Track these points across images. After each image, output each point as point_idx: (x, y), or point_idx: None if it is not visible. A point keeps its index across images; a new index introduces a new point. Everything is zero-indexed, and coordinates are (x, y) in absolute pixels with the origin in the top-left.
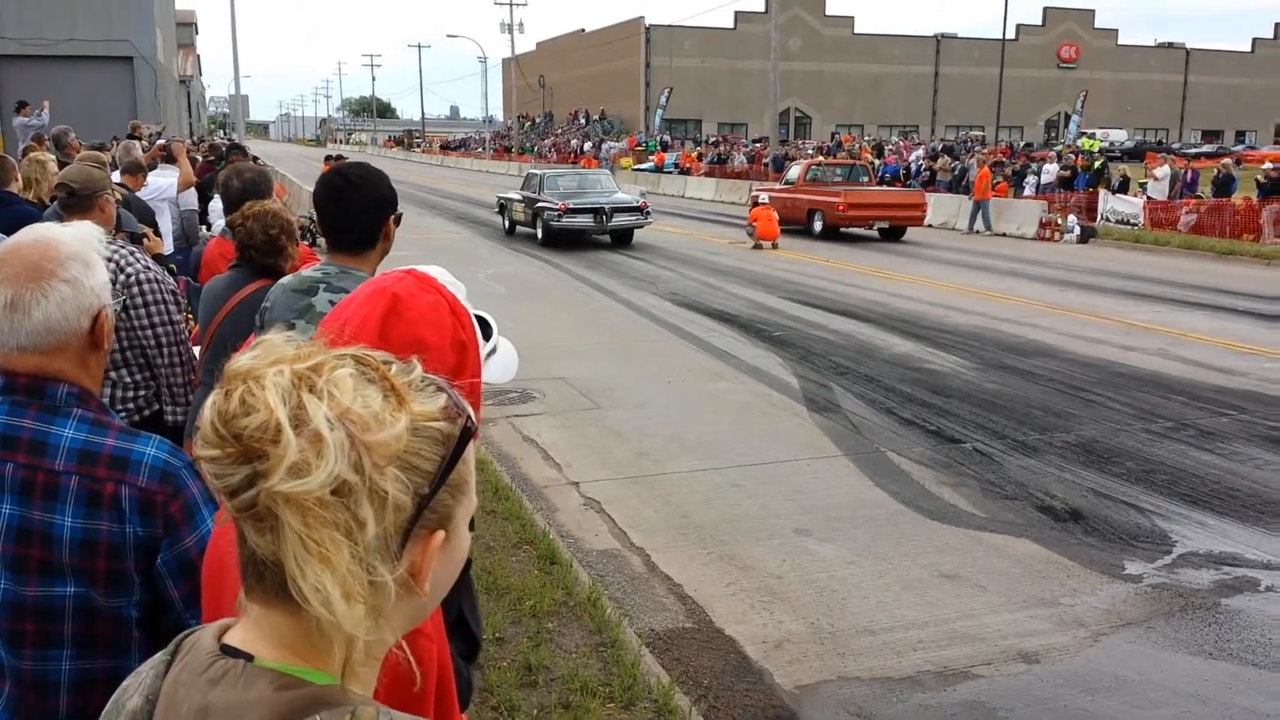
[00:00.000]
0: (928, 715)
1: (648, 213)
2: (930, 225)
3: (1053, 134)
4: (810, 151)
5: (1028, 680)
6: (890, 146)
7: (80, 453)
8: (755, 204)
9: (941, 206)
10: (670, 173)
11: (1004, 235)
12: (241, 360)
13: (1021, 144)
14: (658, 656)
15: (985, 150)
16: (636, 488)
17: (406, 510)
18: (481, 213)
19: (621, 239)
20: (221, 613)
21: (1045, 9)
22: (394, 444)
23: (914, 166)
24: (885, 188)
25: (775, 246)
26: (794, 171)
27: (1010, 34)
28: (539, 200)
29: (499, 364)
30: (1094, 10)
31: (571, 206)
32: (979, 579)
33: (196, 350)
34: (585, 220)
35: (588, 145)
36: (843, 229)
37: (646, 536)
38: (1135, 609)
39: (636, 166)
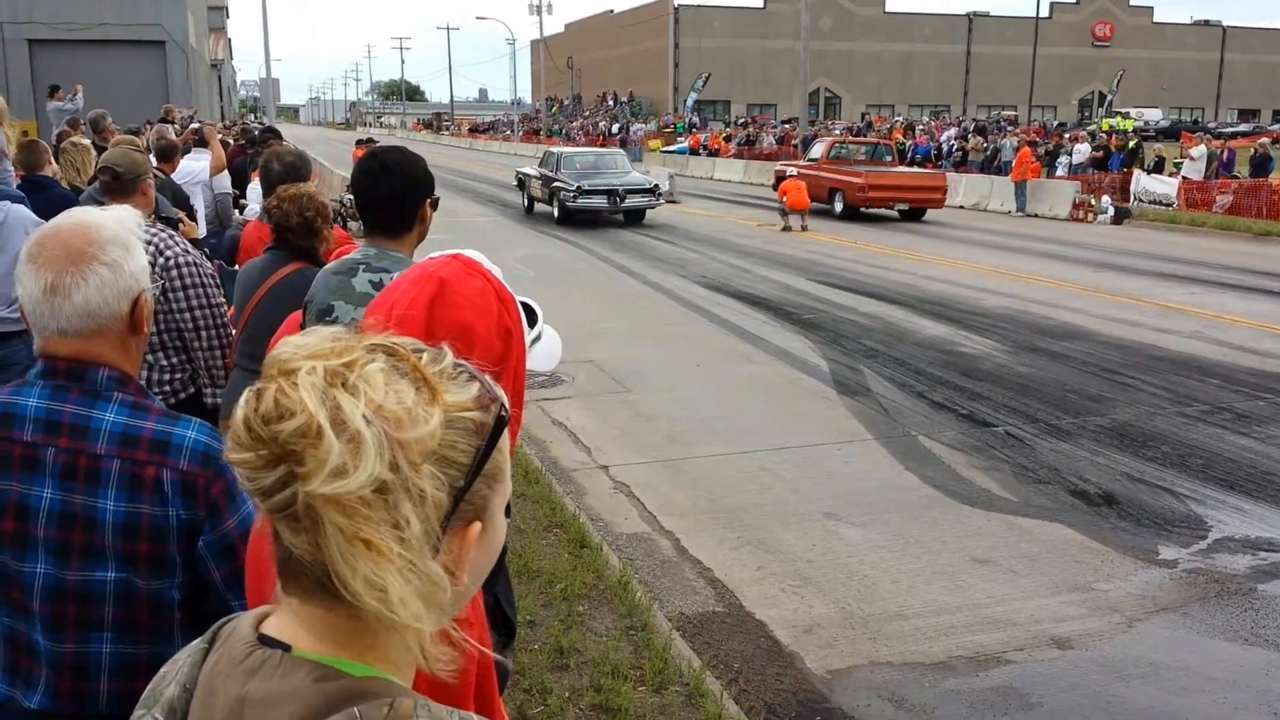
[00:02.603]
0: (960, 700)
1: (660, 194)
2: (962, 206)
3: (1086, 113)
4: (839, 132)
5: (1061, 666)
6: (921, 127)
7: (121, 436)
8: (783, 177)
9: (974, 187)
10: (699, 154)
11: (1036, 216)
12: (283, 350)
13: (1055, 124)
14: (688, 640)
15: (1020, 129)
16: (666, 471)
17: (444, 505)
18: (510, 195)
19: (634, 218)
20: (264, 598)
21: None
22: (428, 441)
23: (946, 147)
24: (908, 168)
25: (805, 225)
26: (817, 149)
27: (1044, 12)
28: (555, 179)
29: (543, 350)
30: None
31: (586, 187)
32: (1011, 564)
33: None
34: (600, 200)
35: (615, 127)
36: (863, 209)
37: (676, 520)
38: (1170, 594)
39: (665, 149)
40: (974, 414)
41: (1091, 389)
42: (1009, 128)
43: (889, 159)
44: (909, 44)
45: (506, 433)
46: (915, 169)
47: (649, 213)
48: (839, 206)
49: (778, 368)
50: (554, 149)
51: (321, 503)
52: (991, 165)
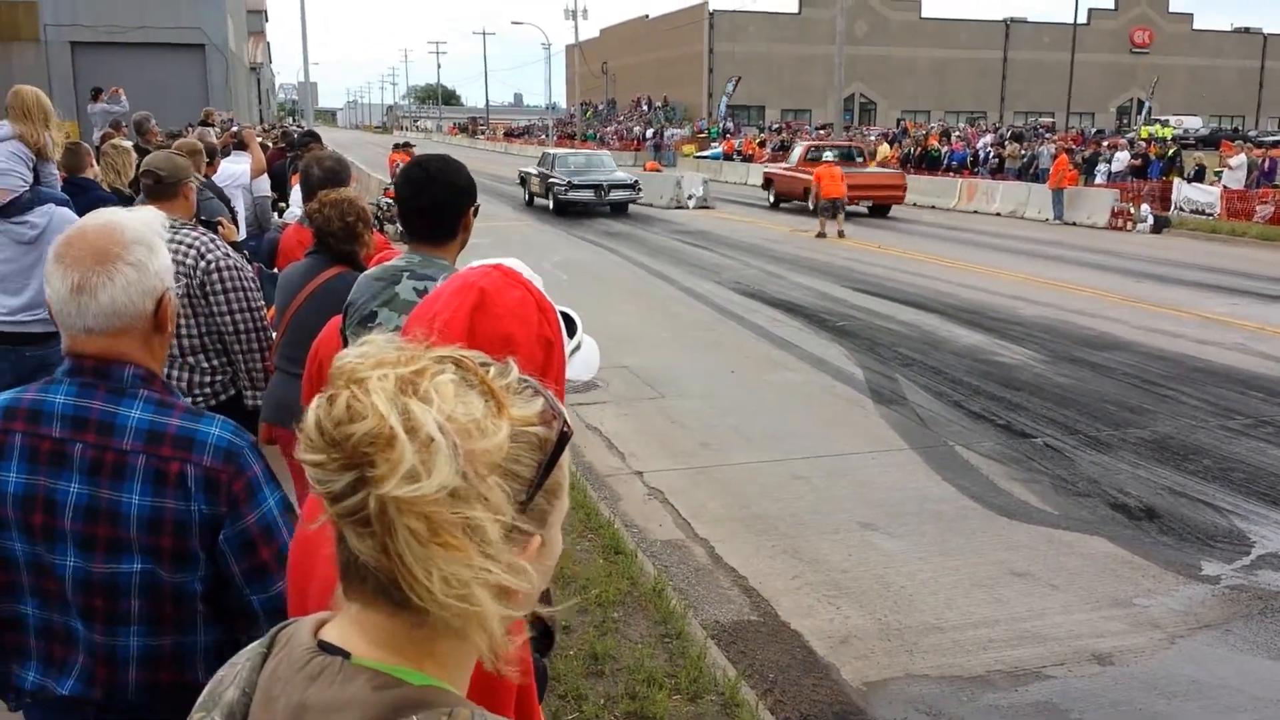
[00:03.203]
0: (998, 716)
1: (640, 189)
2: (999, 213)
3: (1125, 120)
4: (874, 138)
5: (1101, 682)
6: (957, 133)
7: (147, 433)
8: (772, 177)
9: (1010, 194)
10: (732, 160)
11: (1074, 224)
12: (346, 359)
13: (1093, 131)
14: (723, 649)
15: (1058, 136)
16: (700, 478)
17: (507, 517)
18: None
19: (619, 209)
20: (306, 600)
21: None
22: (495, 453)
23: (982, 153)
24: (873, 169)
25: (841, 231)
26: (796, 152)
27: (1082, 18)
28: (551, 176)
29: (582, 360)
30: None
31: (576, 183)
32: (1051, 577)
33: (273, 335)
34: (587, 194)
35: (649, 132)
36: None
37: (710, 527)
38: (1212, 611)
39: (699, 154)
40: (1012, 424)
41: (1132, 400)
42: (1046, 134)
43: (860, 160)
44: (945, 49)
45: (567, 450)
46: (879, 169)
47: (681, 218)
48: (812, 204)
49: (812, 375)
50: (550, 150)
51: (395, 506)
52: (1028, 172)
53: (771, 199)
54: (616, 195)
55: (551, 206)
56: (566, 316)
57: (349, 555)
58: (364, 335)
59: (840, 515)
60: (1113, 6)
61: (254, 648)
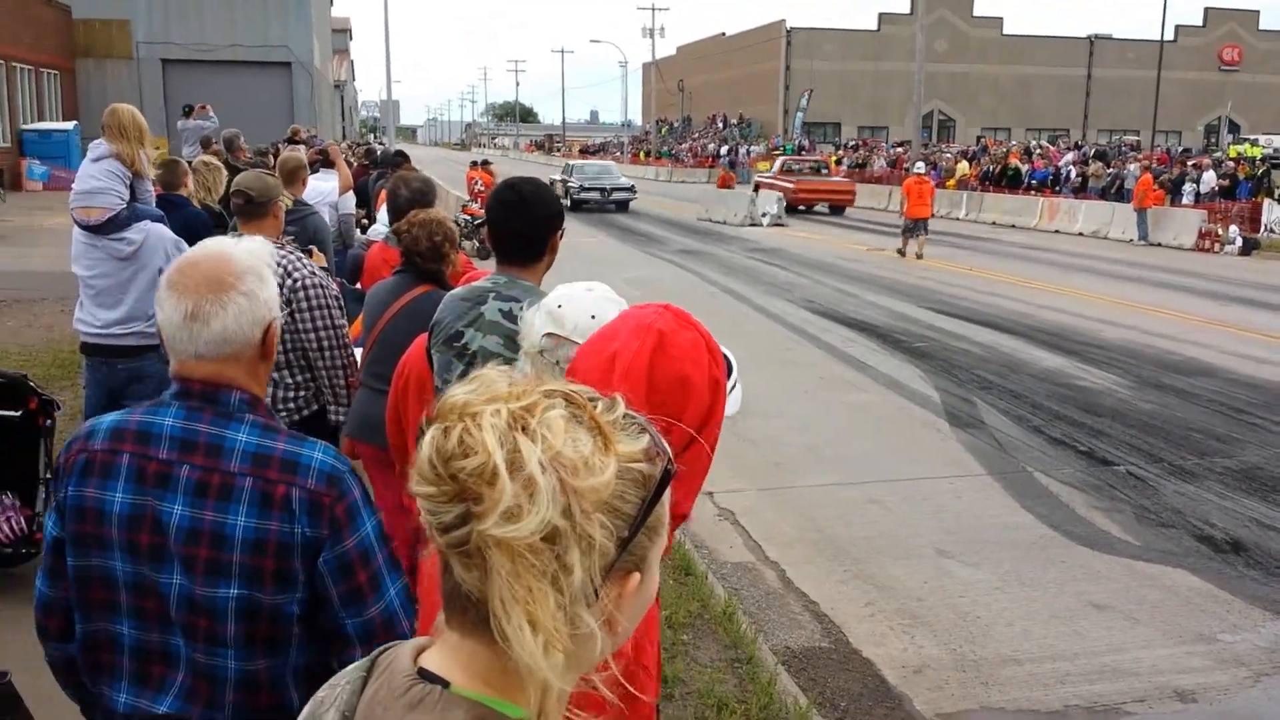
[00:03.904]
0: None
1: (635, 191)
2: (1081, 233)
3: (1212, 140)
4: (951, 156)
5: None
6: (1038, 151)
7: (254, 456)
8: (759, 185)
9: (1093, 214)
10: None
11: (1160, 245)
12: (457, 394)
13: (1179, 150)
14: (794, 675)
15: (1143, 155)
16: (772, 499)
17: (610, 554)
18: (618, 217)
19: (621, 207)
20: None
21: (1206, 9)
22: (602, 490)
23: (1064, 172)
24: (830, 179)
25: (920, 253)
26: (776, 165)
27: (1168, 35)
28: (569, 181)
29: (734, 398)
30: (1259, 11)
31: (586, 186)
32: (1132, 610)
33: (358, 351)
34: (595, 195)
35: (724, 149)
36: (799, 207)
37: (781, 550)
38: None
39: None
40: (1094, 451)
41: (1218, 429)
42: (1131, 153)
43: (825, 171)
44: (1027, 66)
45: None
46: (834, 179)
47: (755, 235)
48: (784, 204)
49: (887, 396)
50: (571, 161)
51: (490, 544)
52: (1112, 191)
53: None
54: (617, 196)
55: (568, 205)
56: (724, 356)
57: (453, 584)
58: (448, 354)
59: (915, 541)
60: (1201, 23)
61: (354, 670)
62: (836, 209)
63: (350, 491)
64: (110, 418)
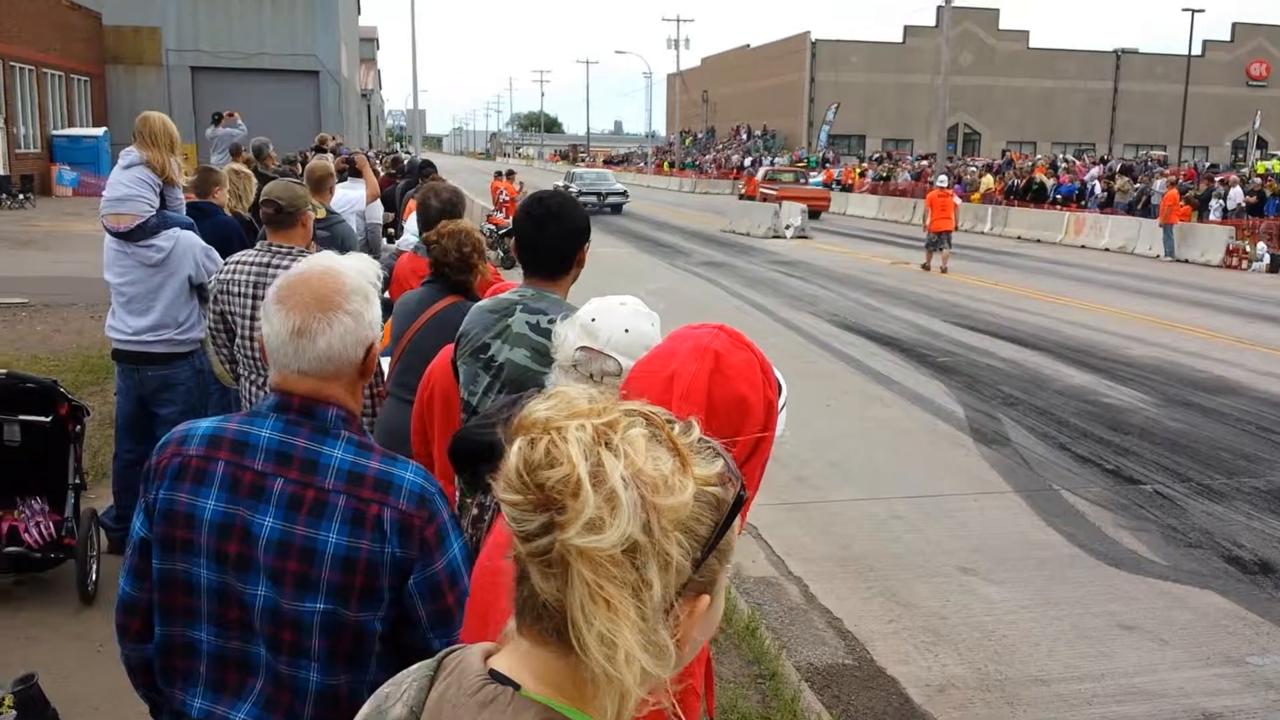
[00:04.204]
0: None
1: (627, 195)
2: (1107, 249)
3: (1240, 155)
4: (976, 169)
5: None
6: (1064, 165)
7: (349, 474)
8: (775, 180)
9: (1120, 229)
10: (831, 189)
11: (1186, 262)
12: (539, 409)
13: (1206, 165)
14: (817, 693)
15: (1170, 171)
16: (795, 514)
17: (685, 573)
18: (640, 227)
19: (615, 209)
20: (488, 632)
21: (1234, 24)
22: (681, 510)
23: (1090, 186)
24: (809, 186)
25: (945, 267)
26: (761, 172)
27: (1196, 49)
28: (570, 186)
29: (782, 419)
30: None
31: (583, 190)
32: (1159, 631)
33: (385, 362)
34: (592, 199)
35: (748, 160)
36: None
37: (804, 566)
38: None
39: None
40: (1120, 470)
41: (1247, 448)
42: (1158, 168)
43: (802, 181)
44: (1053, 79)
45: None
46: (812, 186)
47: (779, 248)
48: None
49: (911, 411)
50: (573, 169)
51: (573, 554)
52: (1139, 207)
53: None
54: (612, 200)
55: None
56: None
57: (529, 593)
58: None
59: (939, 558)
60: (1229, 38)
61: (420, 669)
62: (814, 214)
63: (440, 513)
64: (206, 424)
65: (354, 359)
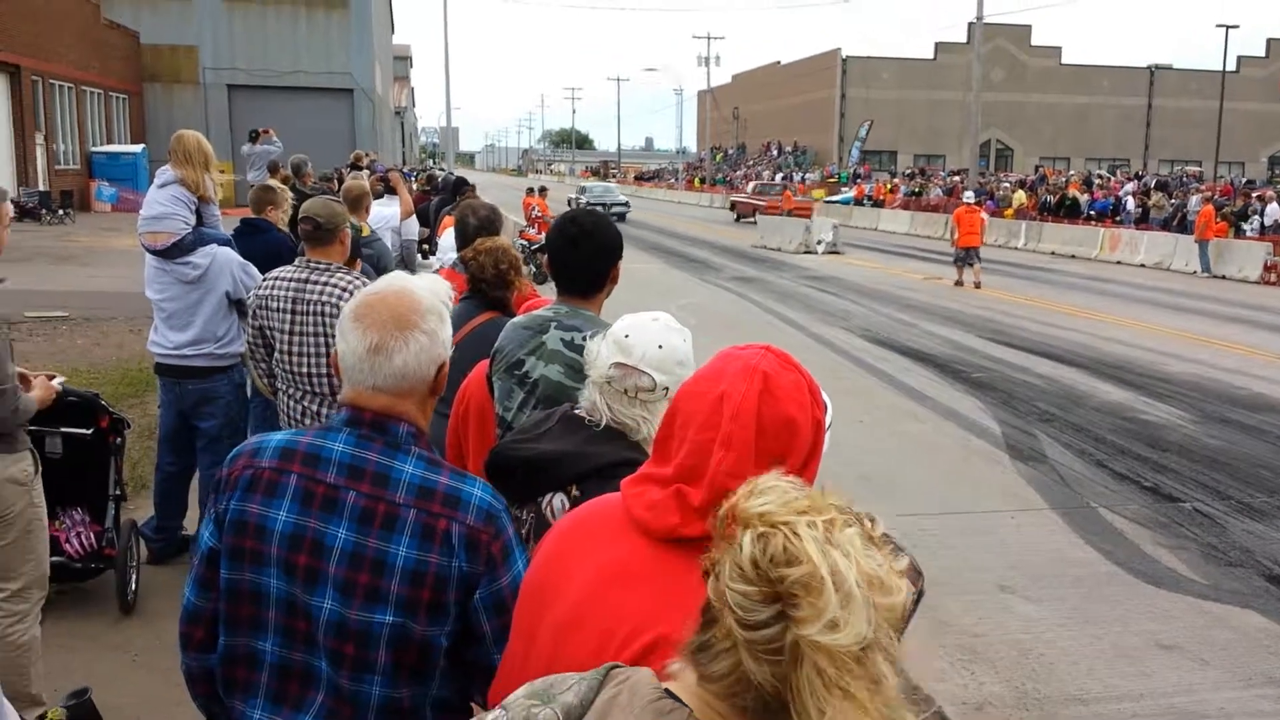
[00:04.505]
0: None
1: (629, 206)
2: (1143, 265)
3: (1276, 171)
4: (1008, 185)
5: None
6: (1098, 181)
7: (419, 488)
8: (735, 204)
9: (1155, 245)
10: (863, 205)
11: (1224, 278)
12: (760, 504)
13: (1242, 181)
14: None
15: (1205, 186)
16: None
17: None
18: (671, 243)
19: (619, 219)
20: (536, 638)
21: (1269, 40)
22: (898, 609)
23: (1125, 202)
24: (795, 199)
25: (978, 282)
26: (750, 186)
27: (1230, 65)
28: (580, 199)
29: (826, 439)
30: None
31: (589, 202)
32: (1200, 651)
33: None
34: (599, 208)
35: (778, 176)
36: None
37: None
38: None
39: (829, 199)
40: (1159, 487)
41: None
42: (1193, 184)
43: (787, 192)
44: (1086, 96)
45: None
46: (797, 198)
47: (811, 263)
48: (754, 218)
49: (945, 427)
50: (583, 183)
51: (812, 648)
52: (1175, 223)
53: (736, 216)
54: (615, 210)
55: None
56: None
57: (730, 669)
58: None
59: (975, 576)
60: (1264, 54)
61: (580, 677)
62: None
63: (505, 529)
64: (278, 437)
65: (426, 376)
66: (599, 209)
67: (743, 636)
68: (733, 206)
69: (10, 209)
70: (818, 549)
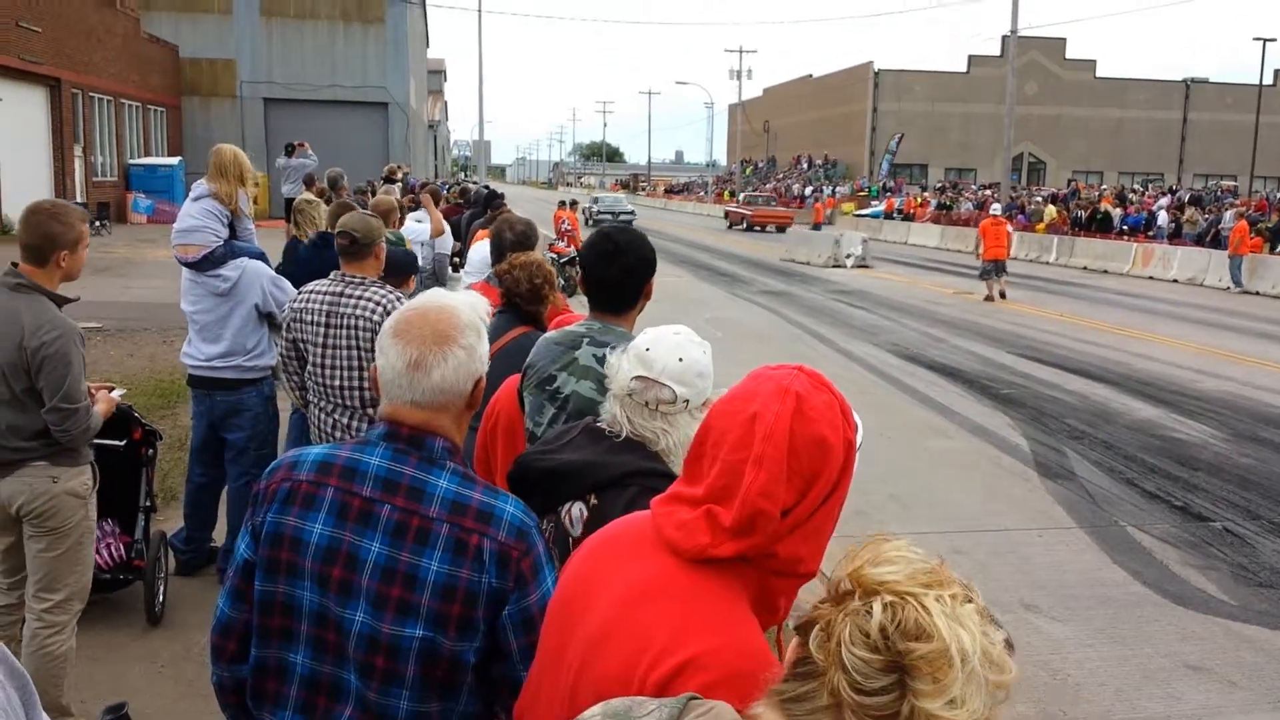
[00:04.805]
0: None
1: (634, 213)
2: (1176, 280)
3: None
4: (1040, 199)
5: None
6: (1132, 195)
7: (452, 503)
8: (729, 212)
9: (1189, 260)
10: (893, 218)
11: (1257, 294)
12: (887, 573)
13: (1278, 196)
14: None
15: (1240, 201)
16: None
17: None
18: (701, 255)
19: (627, 224)
20: (564, 654)
21: None
22: (1008, 685)
23: (1158, 217)
24: (777, 207)
25: (1003, 292)
26: (741, 196)
27: (1267, 79)
28: (592, 207)
29: (857, 459)
30: None
31: (600, 210)
32: (1229, 673)
33: None
34: (608, 217)
35: (808, 190)
36: (756, 227)
37: None
38: None
39: (858, 212)
40: (1189, 506)
41: None
42: (1228, 199)
43: (774, 203)
44: (1120, 109)
45: None
46: (779, 208)
47: (839, 277)
48: (743, 225)
49: (973, 444)
50: (595, 194)
51: (928, 719)
52: (1207, 238)
53: (729, 224)
54: (622, 219)
55: (590, 222)
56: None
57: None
58: (540, 397)
59: (1002, 595)
60: None
61: (665, 701)
62: (781, 228)
63: (536, 546)
64: (316, 450)
65: (464, 391)
66: (607, 217)
67: (853, 700)
68: (726, 215)
69: (88, 230)
70: (947, 625)
